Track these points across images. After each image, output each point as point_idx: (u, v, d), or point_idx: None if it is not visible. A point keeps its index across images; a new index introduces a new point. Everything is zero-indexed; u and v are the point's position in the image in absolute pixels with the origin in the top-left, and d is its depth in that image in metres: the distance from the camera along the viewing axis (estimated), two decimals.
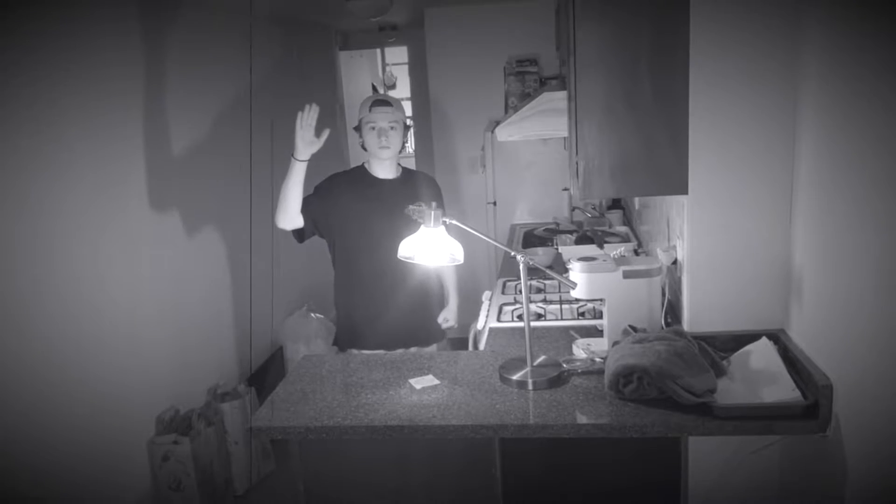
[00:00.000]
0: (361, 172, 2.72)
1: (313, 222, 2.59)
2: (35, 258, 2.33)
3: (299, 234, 2.62)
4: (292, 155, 2.42)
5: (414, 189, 2.69)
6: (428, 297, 2.77)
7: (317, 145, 2.42)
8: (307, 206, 2.54)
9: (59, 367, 2.40)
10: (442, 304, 2.87)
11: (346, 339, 2.74)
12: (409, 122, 2.72)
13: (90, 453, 2.54)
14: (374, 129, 2.57)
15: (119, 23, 2.80)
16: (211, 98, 3.54)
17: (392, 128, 2.58)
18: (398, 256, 1.96)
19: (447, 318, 2.85)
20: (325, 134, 2.42)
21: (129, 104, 2.85)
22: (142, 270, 2.89)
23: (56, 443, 2.37)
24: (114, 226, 2.73)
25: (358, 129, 2.65)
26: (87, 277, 2.56)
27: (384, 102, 2.60)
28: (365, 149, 2.66)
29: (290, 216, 2.50)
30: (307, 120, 2.38)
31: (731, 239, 1.88)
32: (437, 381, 1.94)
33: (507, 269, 3.21)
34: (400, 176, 2.73)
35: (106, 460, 2.63)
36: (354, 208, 2.62)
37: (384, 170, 2.68)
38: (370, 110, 2.58)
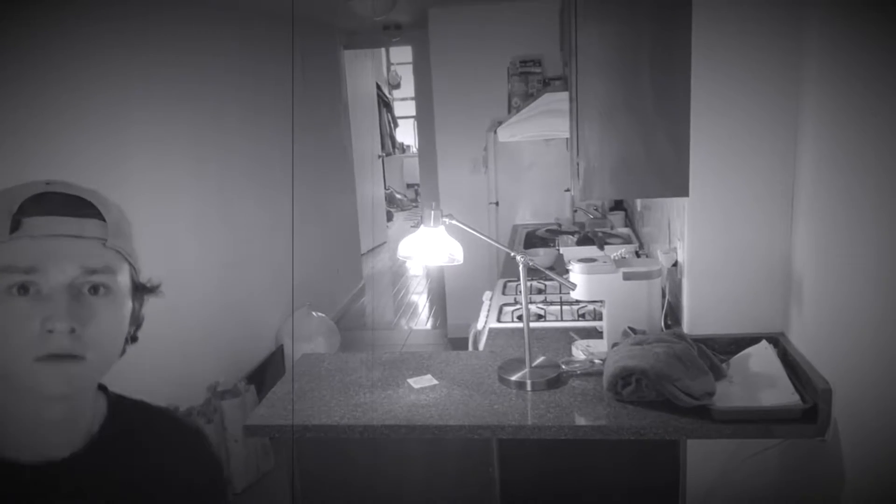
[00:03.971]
0: None
1: None
2: None
3: None
4: None
5: None
6: None
7: None
8: None
9: None
10: None
11: None
12: None
13: None
14: None
15: (119, 21, 2.80)
16: (214, 95, 3.54)
17: None
18: (398, 256, 1.96)
19: None
20: None
21: (130, 100, 2.85)
22: (142, 267, 2.89)
23: None
24: None
25: None
26: None
27: None
28: None
29: None
30: None
31: (731, 242, 1.88)
32: (435, 381, 1.94)
33: (508, 269, 3.21)
34: None
35: None
36: None
37: None
38: None
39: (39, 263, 0.78)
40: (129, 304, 0.88)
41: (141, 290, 0.93)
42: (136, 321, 0.92)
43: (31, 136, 2.32)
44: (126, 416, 0.94)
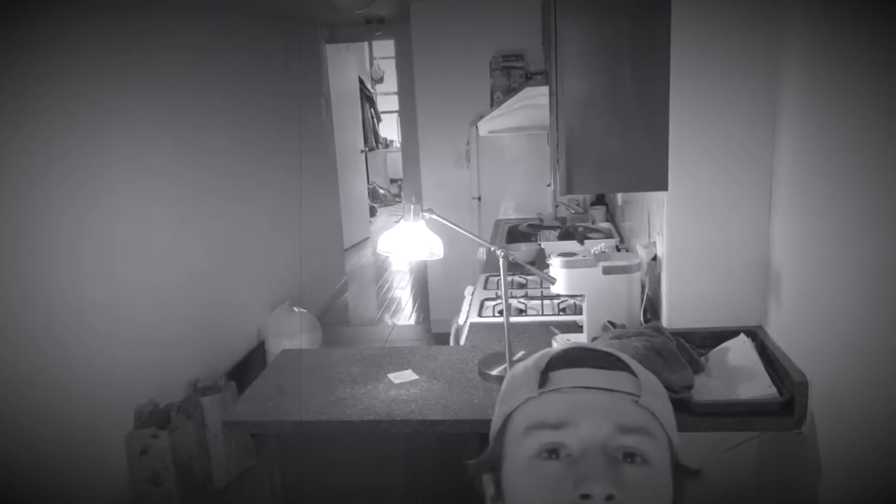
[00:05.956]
0: None
1: None
2: (15, 252, 2.30)
3: None
4: None
5: None
6: None
7: None
8: None
9: (37, 361, 2.38)
10: None
11: None
12: None
13: (67, 446, 2.51)
14: None
15: (107, 26, 2.76)
16: (194, 91, 3.50)
17: None
18: (378, 251, 1.96)
19: None
20: None
21: (107, 99, 2.81)
22: (122, 263, 2.86)
23: (32, 436, 2.35)
24: (94, 219, 2.70)
25: None
26: (66, 271, 2.53)
27: None
28: None
29: None
30: None
31: (710, 235, 1.89)
32: (416, 376, 1.93)
33: (490, 264, 3.21)
34: None
35: (83, 454, 2.60)
36: None
37: None
38: None
39: (570, 417, 0.71)
40: (669, 484, 0.74)
41: (682, 473, 0.77)
42: None
43: (25, 140, 2.29)
44: None
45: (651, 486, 0.70)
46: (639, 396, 0.74)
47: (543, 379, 0.76)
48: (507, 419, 0.77)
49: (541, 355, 0.79)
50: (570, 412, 0.72)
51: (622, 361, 0.77)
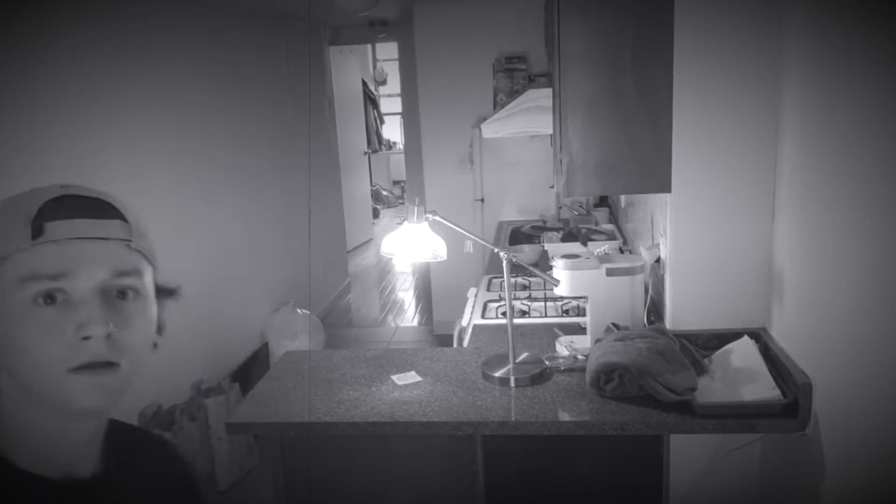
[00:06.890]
0: None
1: None
2: None
3: None
4: None
5: None
6: None
7: None
8: None
9: None
10: None
11: None
12: None
13: None
14: None
15: (109, 25, 2.77)
16: (196, 93, 3.51)
17: None
18: (381, 253, 1.96)
19: None
20: None
21: (108, 98, 2.82)
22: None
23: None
24: None
25: None
26: None
27: None
28: None
29: None
30: None
31: (713, 237, 1.89)
32: (419, 378, 1.93)
33: (494, 266, 3.21)
34: None
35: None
36: None
37: None
38: None
39: (68, 268, 0.73)
40: (154, 309, 0.85)
41: (162, 294, 0.89)
42: (160, 326, 0.87)
43: (25, 139, 2.30)
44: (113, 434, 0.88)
45: (142, 313, 0.80)
46: (130, 241, 0.80)
47: (37, 229, 0.74)
48: None
49: (27, 200, 0.76)
50: (68, 262, 0.74)
51: (115, 209, 0.81)
